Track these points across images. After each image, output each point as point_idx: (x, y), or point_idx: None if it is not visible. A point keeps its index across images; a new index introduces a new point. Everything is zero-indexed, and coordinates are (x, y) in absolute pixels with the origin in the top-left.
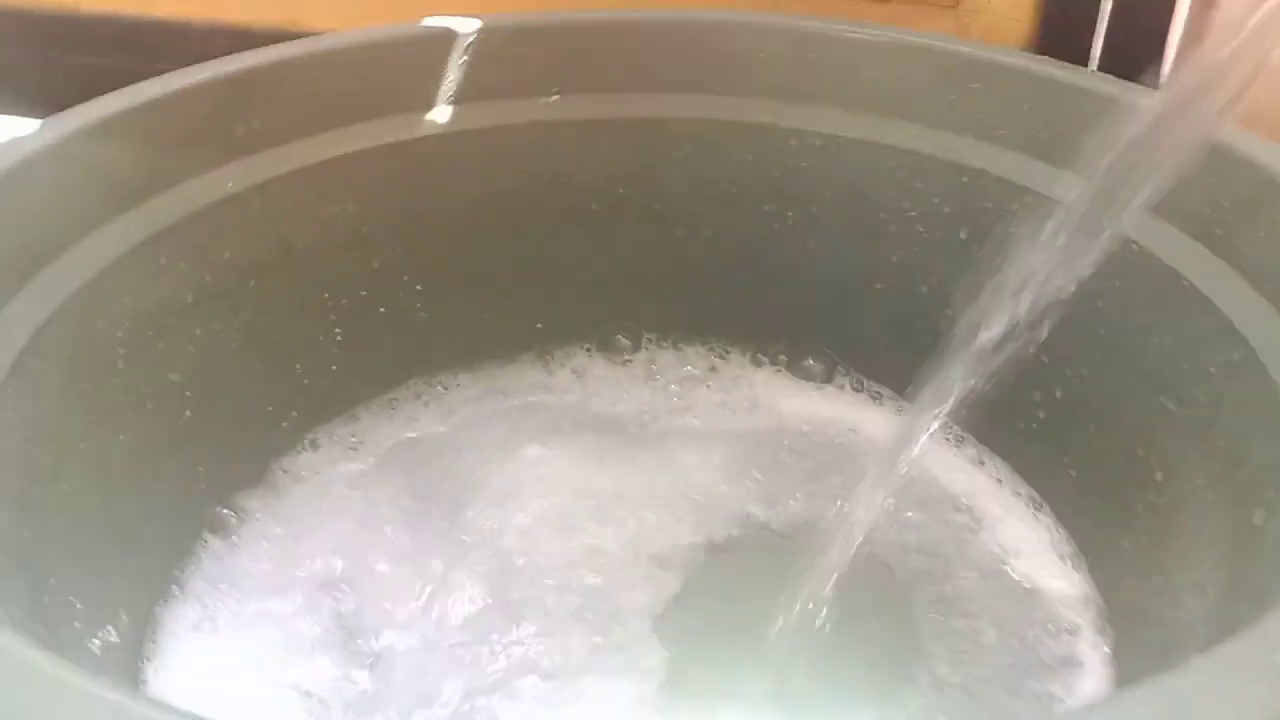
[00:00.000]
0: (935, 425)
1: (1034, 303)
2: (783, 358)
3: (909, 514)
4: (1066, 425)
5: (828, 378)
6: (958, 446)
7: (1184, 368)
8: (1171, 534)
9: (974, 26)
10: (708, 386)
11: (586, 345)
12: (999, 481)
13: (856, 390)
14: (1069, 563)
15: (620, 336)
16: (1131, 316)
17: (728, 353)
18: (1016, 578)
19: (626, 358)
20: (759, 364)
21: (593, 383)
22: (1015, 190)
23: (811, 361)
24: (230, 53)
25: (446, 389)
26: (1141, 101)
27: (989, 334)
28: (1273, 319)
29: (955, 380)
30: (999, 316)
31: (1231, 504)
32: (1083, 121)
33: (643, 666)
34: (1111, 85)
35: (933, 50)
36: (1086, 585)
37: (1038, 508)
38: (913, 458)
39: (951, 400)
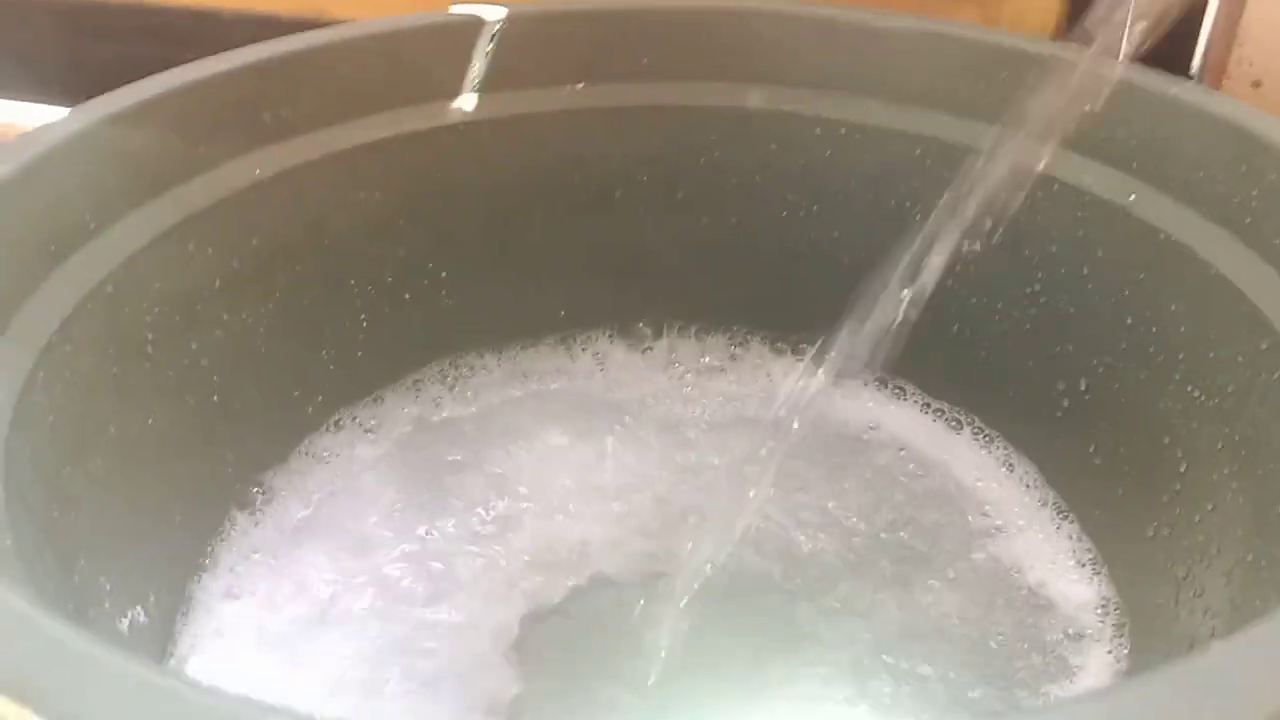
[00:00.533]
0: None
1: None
2: (804, 347)
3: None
4: (1092, 415)
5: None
6: (987, 447)
7: (1211, 357)
8: (1195, 524)
9: (1002, 16)
10: (726, 374)
11: (609, 331)
12: (1021, 480)
13: (879, 387)
14: (1088, 567)
15: (642, 324)
16: (1159, 306)
17: (747, 341)
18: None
19: (648, 345)
20: (779, 353)
21: (614, 369)
22: (1042, 179)
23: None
24: (258, 41)
25: (472, 371)
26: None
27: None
28: None
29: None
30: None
31: (1254, 494)
32: (1110, 109)
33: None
34: (1139, 74)
35: (959, 38)
36: (1106, 587)
37: (1062, 515)
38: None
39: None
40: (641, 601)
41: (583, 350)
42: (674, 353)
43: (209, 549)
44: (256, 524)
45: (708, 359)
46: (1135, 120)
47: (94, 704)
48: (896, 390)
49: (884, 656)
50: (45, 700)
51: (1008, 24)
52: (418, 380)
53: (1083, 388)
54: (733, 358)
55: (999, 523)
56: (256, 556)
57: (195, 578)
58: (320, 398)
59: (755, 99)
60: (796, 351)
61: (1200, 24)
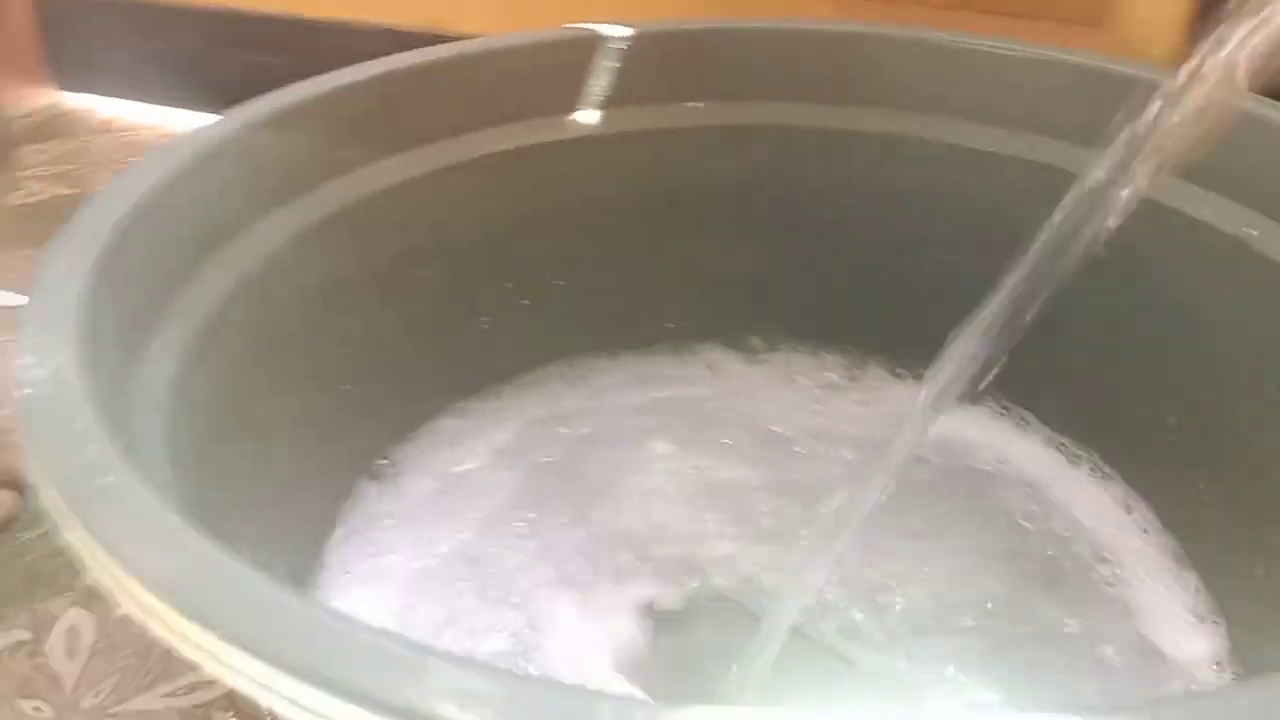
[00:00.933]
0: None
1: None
2: (920, 370)
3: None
4: (1204, 451)
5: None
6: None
7: None
8: None
9: (1122, 45)
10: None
11: (721, 342)
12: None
13: (1002, 413)
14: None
15: (753, 337)
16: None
17: (864, 363)
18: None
19: (763, 357)
20: (898, 376)
21: (727, 379)
22: (1158, 208)
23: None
24: (379, 51)
25: (583, 376)
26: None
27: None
28: None
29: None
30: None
31: None
32: (1230, 141)
33: None
34: (1262, 106)
35: (1071, 65)
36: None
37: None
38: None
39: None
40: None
41: (694, 357)
42: (789, 367)
43: (338, 518)
44: (381, 495)
45: (830, 375)
46: (1255, 153)
47: (269, 631)
48: (1020, 420)
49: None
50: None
51: (1128, 52)
52: (534, 379)
53: (1194, 424)
54: (852, 378)
55: (1118, 571)
56: (389, 522)
57: (325, 543)
58: (442, 391)
59: (870, 122)
60: (914, 374)
61: None
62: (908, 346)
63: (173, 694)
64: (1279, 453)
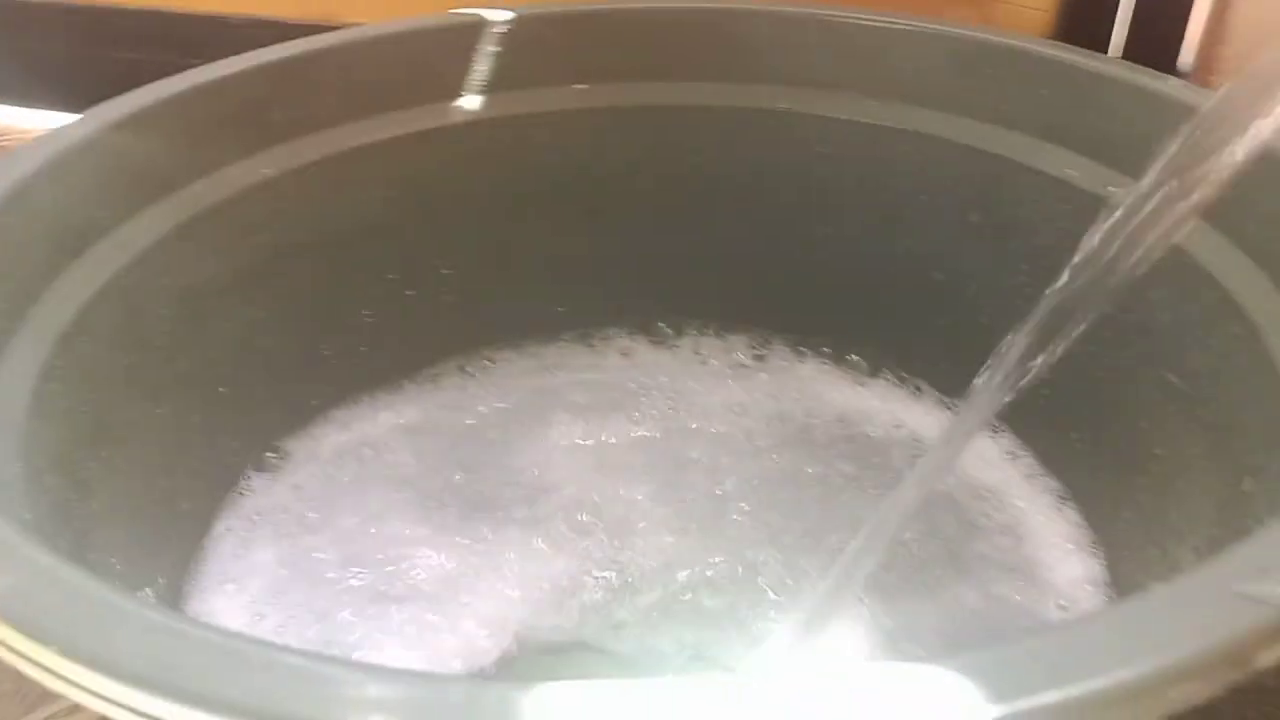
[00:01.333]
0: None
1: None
2: (825, 350)
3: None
4: (1076, 403)
5: (838, 358)
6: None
7: (1187, 342)
8: (1170, 505)
9: (996, 16)
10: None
11: (628, 329)
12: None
13: (898, 384)
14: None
15: (661, 323)
16: (1140, 295)
17: (769, 342)
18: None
19: (673, 342)
20: (801, 354)
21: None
22: (1032, 175)
23: (827, 350)
24: (265, 45)
25: (485, 367)
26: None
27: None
28: (1273, 295)
29: (1002, 389)
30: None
31: (1223, 474)
32: (1101, 107)
33: None
34: (1130, 71)
35: (952, 37)
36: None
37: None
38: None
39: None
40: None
41: (605, 344)
42: (699, 350)
43: (214, 533)
44: (268, 490)
45: (738, 355)
46: (1117, 114)
47: (110, 643)
48: (915, 390)
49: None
50: (69, 643)
51: (1002, 25)
52: (436, 371)
53: (1065, 376)
54: (758, 358)
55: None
56: (271, 518)
57: (198, 562)
58: (325, 392)
59: (753, 98)
60: (816, 351)
61: (1187, 24)
62: (810, 324)
63: (53, 717)
64: (1147, 403)
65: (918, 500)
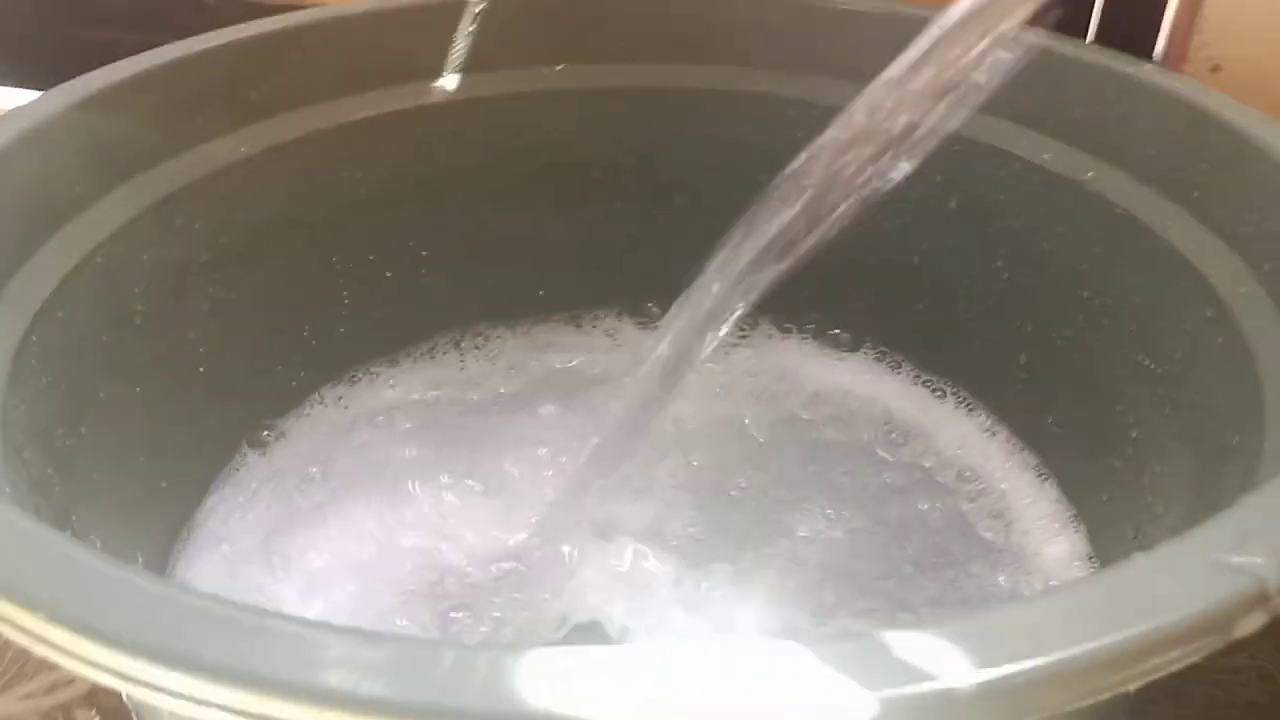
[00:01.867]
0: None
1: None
2: (809, 327)
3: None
4: (1051, 385)
5: (819, 334)
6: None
7: (1160, 325)
8: (1145, 486)
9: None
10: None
11: (616, 311)
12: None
13: (874, 357)
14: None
15: (649, 303)
16: (1114, 278)
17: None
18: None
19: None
20: (786, 331)
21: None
22: (1003, 156)
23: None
24: (240, 23)
25: (478, 345)
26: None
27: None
28: (1245, 277)
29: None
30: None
31: (1197, 456)
32: (1077, 92)
33: None
34: (1105, 56)
35: (926, 21)
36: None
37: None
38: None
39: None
40: None
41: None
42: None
43: (193, 513)
44: (241, 491)
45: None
46: (1092, 99)
47: (98, 609)
48: (893, 364)
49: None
50: (55, 608)
51: None
52: (411, 353)
53: (1043, 360)
54: (742, 335)
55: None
56: (238, 516)
57: (179, 543)
58: (302, 372)
59: (731, 80)
60: (800, 328)
61: (1163, 12)
62: (794, 302)
63: (30, 695)
64: (1119, 381)
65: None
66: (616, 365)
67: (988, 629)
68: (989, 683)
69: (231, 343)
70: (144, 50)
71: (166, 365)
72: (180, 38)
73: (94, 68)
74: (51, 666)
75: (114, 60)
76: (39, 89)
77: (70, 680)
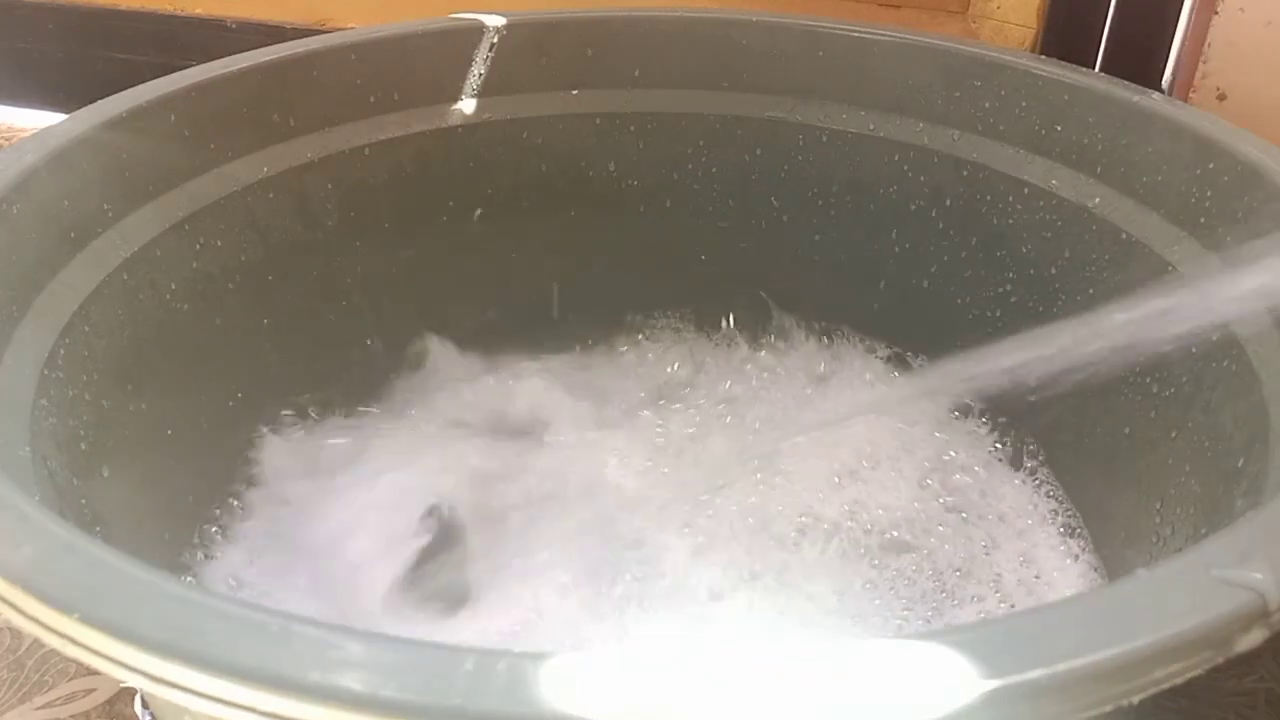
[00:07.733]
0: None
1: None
2: (825, 340)
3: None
4: (1058, 411)
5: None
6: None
7: (1168, 350)
8: (1154, 510)
9: (981, 31)
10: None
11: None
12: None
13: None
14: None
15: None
16: (1121, 303)
17: (736, 331)
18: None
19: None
20: (759, 346)
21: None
22: (1017, 185)
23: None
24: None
25: (474, 354)
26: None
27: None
28: (1250, 301)
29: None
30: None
31: (1203, 479)
32: (1085, 120)
33: None
34: (1113, 85)
35: (937, 50)
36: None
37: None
38: None
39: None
40: None
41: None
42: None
43: (212, 526)
44: (251, 503)
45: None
46: (1100, 126)
47: (131, 613)
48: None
49: None
50: (89, 611)
51: (987, 40)
52: (409, 363)
53: (1050, 382)
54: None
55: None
56: (252, 528)
57: (199, 544)
58: (325, 386)
59: (742, 106)
60: (821, 342)
61: (1170, 43)
62: (802, 323)
63: (49, 705)
64: (1126, 405)
65: None
66: None
67: (991, 640)
68: (992, 693)
69: (251, 357)
70: (168, 73)
71: (187, 377)
72: (202, 61)
73: (120, 90)
74: (70, 677)
75: (139, 83)
76: (67, 110)
77: (89, 691)
